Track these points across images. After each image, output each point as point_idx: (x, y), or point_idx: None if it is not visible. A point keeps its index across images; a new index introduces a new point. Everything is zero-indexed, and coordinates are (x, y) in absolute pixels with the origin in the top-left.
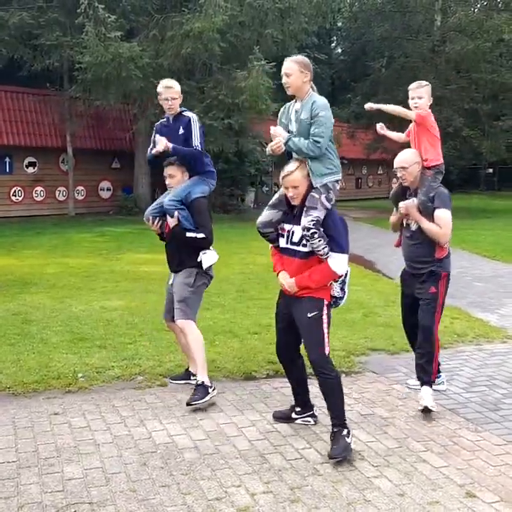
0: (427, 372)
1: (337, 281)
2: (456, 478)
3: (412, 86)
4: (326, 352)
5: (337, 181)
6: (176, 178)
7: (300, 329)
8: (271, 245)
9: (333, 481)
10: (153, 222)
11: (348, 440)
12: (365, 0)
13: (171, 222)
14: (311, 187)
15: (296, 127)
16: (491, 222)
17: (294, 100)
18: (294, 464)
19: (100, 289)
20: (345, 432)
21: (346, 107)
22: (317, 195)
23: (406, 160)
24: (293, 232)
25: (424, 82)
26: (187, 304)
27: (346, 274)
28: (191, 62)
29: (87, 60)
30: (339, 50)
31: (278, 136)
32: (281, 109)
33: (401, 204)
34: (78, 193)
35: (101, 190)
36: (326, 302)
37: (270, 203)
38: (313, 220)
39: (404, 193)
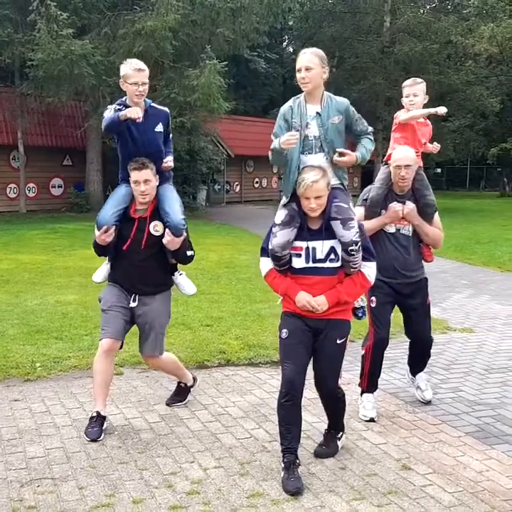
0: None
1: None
2: (393, 453)
3: (407, 83)
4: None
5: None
6: (152, 184)
7: (321, 355)
8: (270, 268)
9: (280, 456)
10: (108, 231)
11: (339, 443)
12: (315, 0)
13: (177, 241)
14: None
15: (320, 132)
16: None
17: (297, 98)
18: (244, 442)
19: (55, 284)
20: (340, 434)
21: None
22: (346, 205)
23: (410, 157)
24: (314, 248)
25: (419, 80)
26: (158, 338)
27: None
28: (143, 60)
29: (39, 57)
30: (291, 50)
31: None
32: (286, 108)
33: (398, 207)
34: (29, 190)
35: (52, 187)
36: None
37: (281, 221)
38: (357, 232)
39: (386, 197)
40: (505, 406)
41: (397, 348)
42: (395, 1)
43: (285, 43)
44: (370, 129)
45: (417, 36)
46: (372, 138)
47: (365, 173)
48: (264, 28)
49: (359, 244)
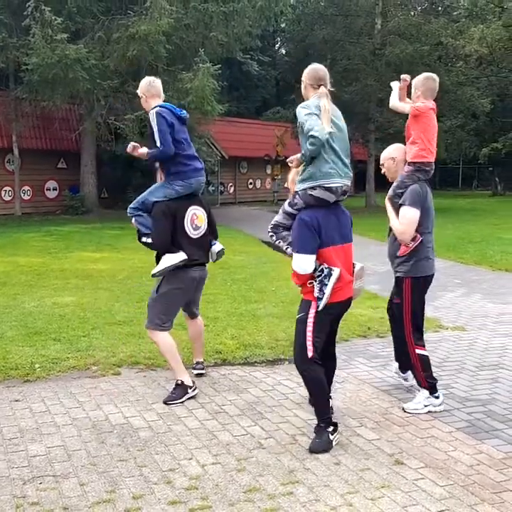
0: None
1: (316, 281)
2: (386, 448)
3: (419, 79)
4: (309, 355)
5: (313, 188)
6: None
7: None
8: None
9: (276, 452)
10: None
11: (332, 438)
12: (307, 3)
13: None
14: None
15: None
16: None
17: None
18: (241, 439)
19: (51, 286)
20: (330, 428)
21: (291, 107)
22: (285, 202)
23: (382, 157)
24: None
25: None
26: (149, 310)
27: (325, 276)
28: (137, 64)
29: (33, 62)
30: (283, 52)
31: None
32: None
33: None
34: (24, 193)
35: (47, 190)
36: (313, 303)
37: None
38: (271, 224)
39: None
40: (496, 402)
41: (390, 347)
42: (385, 4)
43: (278, 46)
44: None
45: (408, 38)
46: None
47: (357, 173)
48: (257, 31)
49: (270, 234)
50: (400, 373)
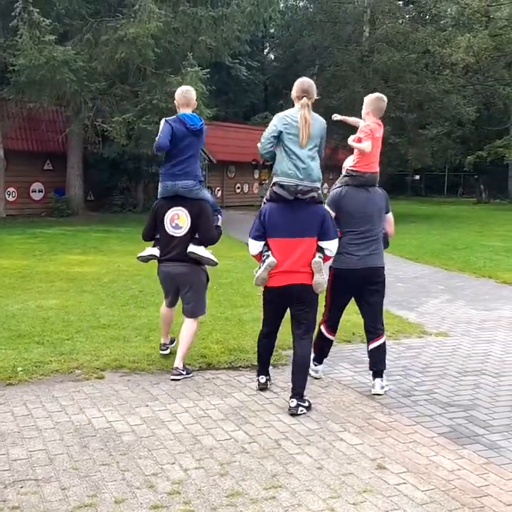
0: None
1: (260, 263)
2: (369, 453)
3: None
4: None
5: (274, 184)
6: None
7: None
8: None
9: (259, 457)
10: None
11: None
12: (296, 9)
13: None
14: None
15: None
16: (416, 227)
17: None
18: (224, 443)
19: (35, 288)
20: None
21: (279, 112)
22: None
23: (343, 166)
24: None
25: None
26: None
27: (263, 260)
28: (125, 67)
29: (21, 63)
30: (272, 57)
31: None
32: None
33: None
34: (9, 195)
35: (33, 191)
36: None
37: None
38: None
39: None
40: (477, 407)
41: None
42: (373, 11)
43: (266, 51)
44: (260, 142)
45: (396, 46)
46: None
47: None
48: (246, 36)
49: None
50: (371, 379)
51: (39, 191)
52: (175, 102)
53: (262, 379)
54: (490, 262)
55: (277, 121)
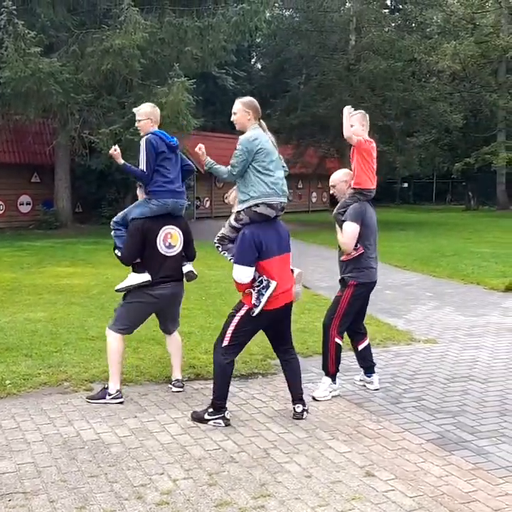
0: (324, 366)
1: (254, 290)
2: (357, 461)
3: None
4: (223, 344)
5: (257, 205)
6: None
7: None
8: None
9: (248, 466)
10: None
11: (212, 418)
12: (282, 18)
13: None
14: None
15: None
16: (404, 234)
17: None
18: (213, 453)
19: (24, 301)
20: (220, 413)
21: (266, 122)
22: (231, 217)
23: (334, 179)
24: None
25: (354, 111)
26: (115, 312)
27: (264, 287)
28: (112, 78)
29: (6, 75)
30: (259, 66)
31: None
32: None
33: None
34: None
35: (20, 204)
36: (245, 306)
37: None
38: (217, 236)
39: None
40: (465, 414)
41: None
42: (359, 20)
43: (253, 60)
44: (233, 166)
45: (382, 54)
46: (229, 172)
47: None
48: (232, 46)
49: (216, 245)
50: (366, 378)
51: (27, 204)
52: (145, 120)
53: (228, 414)
54: (478, 269)
55: (248, 144)
